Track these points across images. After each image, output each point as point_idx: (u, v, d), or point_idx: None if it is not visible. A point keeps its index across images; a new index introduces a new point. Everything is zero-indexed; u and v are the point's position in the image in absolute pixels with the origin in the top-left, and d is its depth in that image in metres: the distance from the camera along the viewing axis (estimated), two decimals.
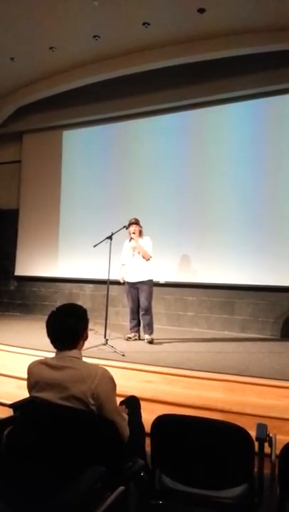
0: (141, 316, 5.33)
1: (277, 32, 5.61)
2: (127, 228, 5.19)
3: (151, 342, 5.14)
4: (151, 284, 5.29)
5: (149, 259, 5.22)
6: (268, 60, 5.96)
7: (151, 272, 5.28)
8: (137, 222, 5.31)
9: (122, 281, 5.37)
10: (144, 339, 5.27)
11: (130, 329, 5.43)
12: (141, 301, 5.26)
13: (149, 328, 5.23)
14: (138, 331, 5.41)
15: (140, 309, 5.31)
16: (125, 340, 5.29)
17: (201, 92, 6.56)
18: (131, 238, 5.27)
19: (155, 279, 5.50)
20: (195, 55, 6.13)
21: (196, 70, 6.38)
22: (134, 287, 5.30)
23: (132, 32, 5.94)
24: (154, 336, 5.28)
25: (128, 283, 5.33)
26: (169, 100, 6.82)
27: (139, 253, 5.22)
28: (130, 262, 5.30)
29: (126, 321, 6.26)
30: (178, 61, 6.28)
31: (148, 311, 5.24)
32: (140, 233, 5.31)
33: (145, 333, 5.26)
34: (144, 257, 5.20)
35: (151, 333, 5.23)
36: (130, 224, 5.28)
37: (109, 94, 7.15)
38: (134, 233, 5.23)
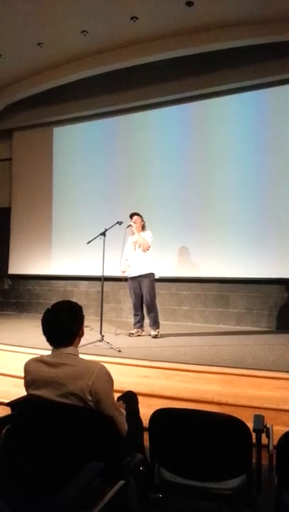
0: (146, 314, 5.38)
1: (266, 24, 5.62)
2: (120, 224, 5.18)
3: (155, 337, 5.20)
4: (153, 278, 5.31)
5: (147, 249, 5.25)
6: (259, 51, 5.96)
7: (151, 266, 5.31)
8: (137, 214, 5.41)
9: (122, 273, 5.38)
10: (146, 335, 5.31)
11: (134, 325, 5.44)
12: (144, 296, 5.30)
13: (154, 324, 5.28)
14: (141, 327, 5.42)
15: (144, 305, 5.35)
16: (127, 336, 5.30)
17: (193, 86, 6.55)
18: (129, 225, 5.31)
19: None
20: (184, 49, 6.12)
21: (185, 63, 6.36)
22: (136, 281, 5.33)
23: (121, 26, 5.91)
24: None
25: (130, 278, 5.36)
26: (159, 94, 6.80)
27: (139, 247, 5.27)
28: (132, 257, 5.34)
29: (121, 317, 6.29)
30: (167, 55, 6.27)
31: (152, 308, 5.28)
32: (143, 227, 5.39)
33: (151, 329, 5.30)
34: (142, 246, 5.24)
35: (156, 328, 5.28)
36: (131, 215, 5.37)
37: (99, 90, 7.11)
38: (134, 222, 5.30)
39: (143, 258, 5.27)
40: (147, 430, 1.89)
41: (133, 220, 5.34)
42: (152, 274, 5.29)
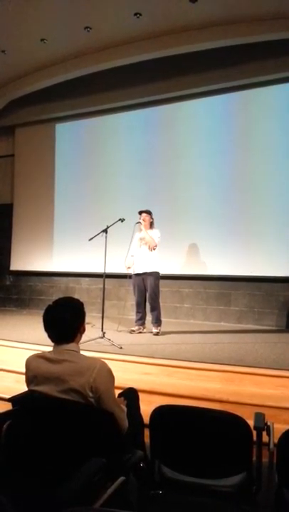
0: (148, 311, 5.37)
1: (270, 21, 5.59)
2: (122, 221, 5.16)
3: (156, 334, 5.20)
4: (157, 276, 5.30)
5: (153, 248, 5.24)
6: (254, 51, 5.96)
7: (157, 264, 5.30)
8: (147, 211, 5.38)
9: (127, 268, 5.35)
10: (148, 332, 5.32)
11: (135, 322, 5.44)
12: (148, 293, 5.29)
13: (156, 321, 5.28)
14: (143, 324, 5.42)
15: (148, 303, 5.34)
16: (129, 333, 5.31)
17: (195, 83, 6.53)
18: (138, 222, 5.29)
19: None
20: (188, 46, 6.10)
21: (189, 60, 6.34)
22: (140, 278, 5.32)
23: (124, 23, 5.89)
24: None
25: (134, 274, 5.35)
26: (162, 91, 6.79)
27: (146, 244, 5.26)
28: (137, 253, 5.33)
29: (122, 314, 6.29)
30: (171, 52, 6.24)
31: (155, 306, 5.27)
32: (151, 225, 5.37)
33: (153, 326, 5.30)
34: (148, 244, 5.22)
35: (158, 326, 5.28)
36: (140, 212, 5.35)
37: (102, 86, 7.10)
38: (143, 220, 5.28)
39: (149, 256, 5.26)
40: (148, 427, 1.89)
41: (141, 217, 5.32)
42: (157, 273, 5.29)
